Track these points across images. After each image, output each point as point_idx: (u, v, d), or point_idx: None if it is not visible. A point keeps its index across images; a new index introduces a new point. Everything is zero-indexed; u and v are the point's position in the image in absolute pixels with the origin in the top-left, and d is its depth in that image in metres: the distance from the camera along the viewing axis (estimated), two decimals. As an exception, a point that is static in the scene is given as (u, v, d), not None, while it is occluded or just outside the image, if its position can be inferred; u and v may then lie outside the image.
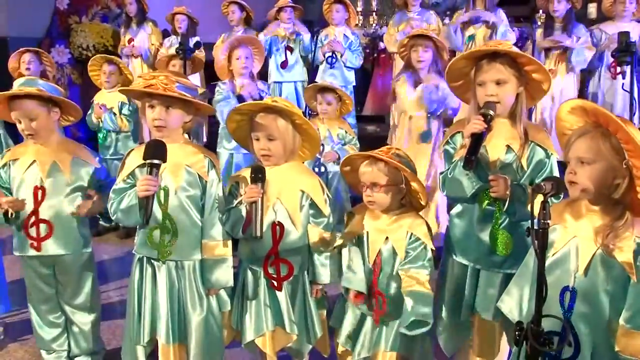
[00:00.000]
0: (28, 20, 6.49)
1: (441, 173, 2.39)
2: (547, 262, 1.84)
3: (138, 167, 2.33)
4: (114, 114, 4.80)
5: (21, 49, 4.90)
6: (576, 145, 1.77)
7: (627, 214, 1.74)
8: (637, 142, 1.66)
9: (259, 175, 2.25)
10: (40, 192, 2.58)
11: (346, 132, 4.15)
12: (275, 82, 5.57)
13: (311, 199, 2.40)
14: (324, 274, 2.43)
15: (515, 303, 1.98)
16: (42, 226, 2.60)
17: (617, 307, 1.76)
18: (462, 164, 2.20)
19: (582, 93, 5.20)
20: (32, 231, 2.60)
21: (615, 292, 1.75)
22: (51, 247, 2.63)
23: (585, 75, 5.23)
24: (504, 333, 2.45)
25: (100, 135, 4.90)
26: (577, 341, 1.79)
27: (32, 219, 2.59)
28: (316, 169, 4.02)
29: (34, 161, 2.61)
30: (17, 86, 2.67)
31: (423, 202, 2.32)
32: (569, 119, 1.85)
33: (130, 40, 6.07)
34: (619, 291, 1.75)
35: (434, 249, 2.30)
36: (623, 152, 1.71)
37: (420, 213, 2.37)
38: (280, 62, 5.50)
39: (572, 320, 1.80)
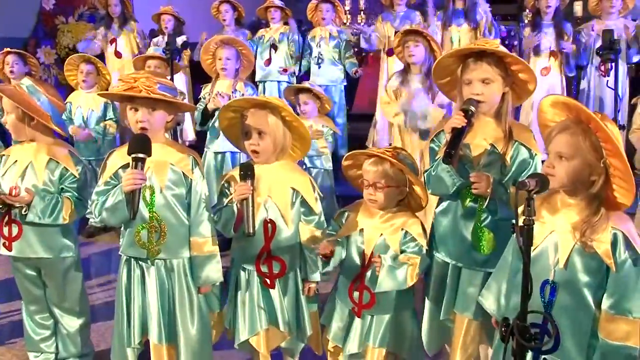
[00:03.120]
0: (13, 21, 6.44)
1: (425, 171, 2.40)
2: None
3: (121, 167, 2.32)
4: (99, 117, 4.67)
5: (3, 51, 4.83)
6: (557, 139, 1.81)
7: (601, 209, 1.78)
8: (616, 142, 1.70)
9: (248, 172, 2.26)
10: (14, 192, 2.57)
11: (327, 127, 4.19)
12: (259, 81, 5.58)
13: (302, 196, 2.42)
14: (316, 272, 2.44)
15: (493, 298, 2.03)
16: (14, 226, 2.59)
17: (598, 297, 1.80)
18: (443, 158, 2.21)
19: (569, 91, 5.25)
20: (5, 231, 2.61)
21: (595, 282, 1.79)
22: (25, 249, 2.62)
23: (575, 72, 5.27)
24: (488, 339, 2.46)
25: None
26: (557, 333, 1.82)
27: (5, 219, 2.60)
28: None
29: (16, 161, 2.62)
30: (23, 84, 2.70)
31: (423, 204, 2.36)
32: (549, 112, 1.89)
33: (112, 41, 6.02)
34: (598, 282, 1.79)
35: (427, 248, 2.34)
36: (602, 150, 1.74)
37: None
38: (264, 60, 5.51)
39: (553, 313, 1.83)
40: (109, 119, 4.71)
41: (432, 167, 2.34)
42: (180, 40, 5.46)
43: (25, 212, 2.53)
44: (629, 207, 1.82)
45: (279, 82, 5.58)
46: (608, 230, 1.76)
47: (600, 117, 1.75)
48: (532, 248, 1.84)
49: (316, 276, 2.45)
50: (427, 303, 2.51)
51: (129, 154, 2.16)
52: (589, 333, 1.81)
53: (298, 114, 4.16)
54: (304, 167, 4.09)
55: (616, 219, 1.78)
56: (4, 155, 2.69)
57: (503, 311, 1.96)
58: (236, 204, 2.31)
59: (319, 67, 5.42)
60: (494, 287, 2.04)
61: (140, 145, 2.16)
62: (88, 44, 5.92)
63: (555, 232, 1.85)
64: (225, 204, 2.39)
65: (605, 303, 1.78)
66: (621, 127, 4.11)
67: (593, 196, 1.79)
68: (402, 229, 2.31)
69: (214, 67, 4.24)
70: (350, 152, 2.42)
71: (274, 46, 5.45)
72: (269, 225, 2.39)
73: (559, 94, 5.00)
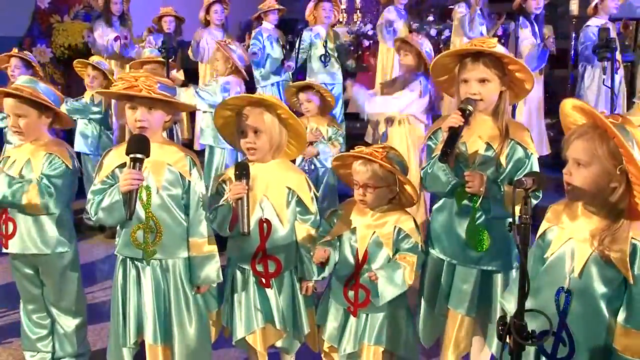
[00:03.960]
0: (8, 20, 6.40)
1: (422, 168, 2.41)
2: (545, 263, 1.85)
3: (118, 166, 2.32)
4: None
5: (9, 53, 4.80)
6: (574, 145, 1.74)
7: (622, 218, 1.71)
8: (630, 149, 1.63)
9: (243, 172, 2.25)
10: None
11: (334, 128, 4.19)
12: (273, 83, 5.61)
13: (298, 196, 2.42)
14: (313, 271, 2.44)
15: (515, 302, 1.98)
16: (10, 224, 2.59)
17: (614, 308, 1.75)
18: (439, 157, 2.22)
19: (565, 89, 5.27)
20: (2, 228, 2.60)
21: (611, 293, 1.74)
22: (18, 246, 2.60)
23: (569, 72, 5.29)
24: (479, 332, 2.48)
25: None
26: (572, 341, 1.79)
27: (3, 216, 2.59)
28: (306, 166, 4.05)
29: (15, 160, 2.61)
30: (18, 82, 2.66)
31: (415, 201, 2.37)
32: (573, 115, 1.82)
33: (117, 38, 6.01)
34: (614, 292, 1.74)
35: (421, 244, 2.34)
36: (620, 157, 1.67)
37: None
38: (280, 59, 5.54)
39: (568, 321, 1.79)
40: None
41: (428, 164, 2.34)
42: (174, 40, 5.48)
43: None
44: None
45: (277, 83, 5.57)
46: (628, 240, 1.69)
47: (621, 120, 1.69)
48: (550, 253, 1.83)
49: (312, 275, 2.45)
50: (422, 298, 2.53)
51: (127, 154, 2.15)
52: (603, 344, 1.76)
53: (302, 114, 4.17)
54: (314, 167, 4.08)
55: (638, 230, 1.70)
56: (2, 158, 2.68)
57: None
58: (232, 203, 2.30)
59: (326, 66, 5.43)
60: (515, 291, 1.95)
61: (139, 145, 2.15)
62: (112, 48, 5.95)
63: (573, 240, 1.79)
64: (220, 203, 2.38)
65: (621, 316, 1.73)
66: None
67: (613, 204, 1.71)
68: (395, 226, 2.32)
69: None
70: (339, 154, 2.44)
71: (284, 47, 5.46)
72: (265, 224, 2.38)
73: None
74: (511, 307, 1.99)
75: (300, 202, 2.43)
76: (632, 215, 1.70)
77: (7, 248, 2.62)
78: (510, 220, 1.64)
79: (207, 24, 5.82)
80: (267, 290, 2.42)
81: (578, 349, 1.78)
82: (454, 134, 2.17)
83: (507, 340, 1.68)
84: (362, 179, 2.29)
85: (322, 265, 2.29)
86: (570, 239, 1.80)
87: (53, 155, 2.58)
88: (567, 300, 1.79)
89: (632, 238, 1.69)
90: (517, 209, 1.67)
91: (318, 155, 4.07)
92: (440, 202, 2.42)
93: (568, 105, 1.82)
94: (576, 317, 1.78)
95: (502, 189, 2.24)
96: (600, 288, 1.74)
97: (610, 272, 1.73)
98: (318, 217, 2.48)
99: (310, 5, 5.52)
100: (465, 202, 2.31)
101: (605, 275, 1.74)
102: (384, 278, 2.19)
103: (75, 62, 4.92)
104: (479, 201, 2.24)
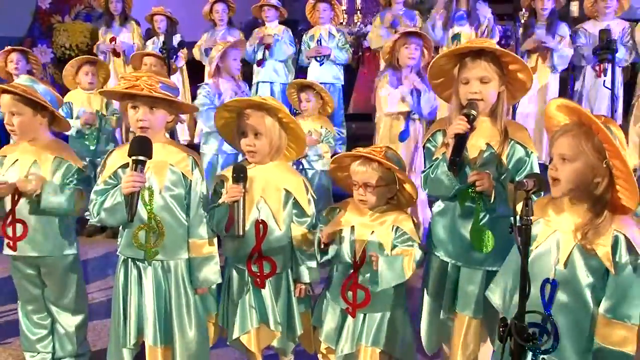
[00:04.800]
0: (9, 20, 6.42)
1: (423, 172, 2.40)
2: (531, 255, 1.87)
3: (120, 167, 2.32)
4: (104, 115, 4.65)
5: (7, 48, 4.80)
6: (559, 142, 1.81)
7: (605, 212, 1.77)
8: (616, 143, 1.70)
9: (240, 175, 2.26)
10: (17, 192, 2.54)
11: (326, 129, 4.19)
12: (259, 81, 5.58)
13: (295, 198, 2.42)
14: (308, 273, 2.45)
15: (500, 294, 2.04)
16: (18, 226, 2.58)
17: (599, 298, 1.80)
18: (444, 163, 2.21)
19: (565, 91, 5.26)
20: (9, 231, 2.58)
21: (595, 283, 1.79)
22: (28, 248, 2.59)
23: (569, 73, 5.28)
24: (486, 334, 2.47)
25: (87, 137, 4.71)
26: (556, 332, 1.83)
27: (9, 218, 2.57)
28: (293, 167, 4.05)
29: (17, 160, 2.59)
30: (18, 81, 2.66)
31: (414, 200, 2.37)
32: (557, 116, 1.88)
33: (112, 39, 6.02)
34: (598, 282, 1.79)
35: (420, 243, 2.34)
36: (604, 152, 1.74)
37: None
38: (257, 60, 5.50)
39: (553, 312, 1.83)
40: (115, 114, 4.67)
41: (430, 168, 2.33)
42: (176, 39, 5.47)
43: (37, 196, 2.49)
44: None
45: (271, 83, 5.56)
46: (610, 232, 1.75)
47: (604, 120, 1.75)
48: (535, 245, 1.88)
49: (307, 277, 2.46)
50: (425, 302, 2.52)
51: (130, 155, 2.15)
52: (587, 334, 1.81)
53: (300, 112, 4.17)
54: (301, 167, 4.09)
55: (620, 223, 1.77)
56: (1, 155, 2.65)
57: (507, 307, 1.98)
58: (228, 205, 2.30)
59: (321, 65, 5.41)
60: (501, 283, 2.05)
61: (141, 147, 2.15)
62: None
63: (558, 232, 1.85)
64: (217, 204, 2.38)
65: (603, 306, 1.78)
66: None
67: (597, 198, 1.78)
68: (393, 226, 2.32)
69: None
70: (337, 155, 2.44)
71: (267, 47, 5.44)
72: (261, 225, 2.39)
73: (554, 94, 5.04)
74: (496, 298, 2.05)
75: (296, 204, 2.44)
76: (616, 209, 1.78)
77: (14, 250, 2.60)
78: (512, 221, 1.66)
79: (214, 24, 5.83)
80: (262, 290, 2.43)
81: (562, 340, 1.82)
82: (461, 140, 2.16)
83: (508, 341, 1.69)
84: (362, 178, 2.29)
85: (325, 247, 2.29)
86: (555, 231, 1.86)
87: (65, 162, 2.59)
88: (552, 290, 1.84)
89: (615, 230, 1.76)
90: (518, 210, 1.69)
91: (306, 157, 4.07)
92: (442, 205, 2.41)
93: (552, 106, 1.89)
94: (561, 307, 1.83)
95: (506, 188, 2.24)
96: (585, 278, 1.80)
97: (594, 261, 1.78)
98: (315, 220, 2.48)
99: (308, 6, 5.52)
100: (468, 203, 2.30)
101: (589, 265, 1.79)
102: (385, 262, 2.19)
103: (68, 65, 4.74)
104: (491, 199, 2.22)
